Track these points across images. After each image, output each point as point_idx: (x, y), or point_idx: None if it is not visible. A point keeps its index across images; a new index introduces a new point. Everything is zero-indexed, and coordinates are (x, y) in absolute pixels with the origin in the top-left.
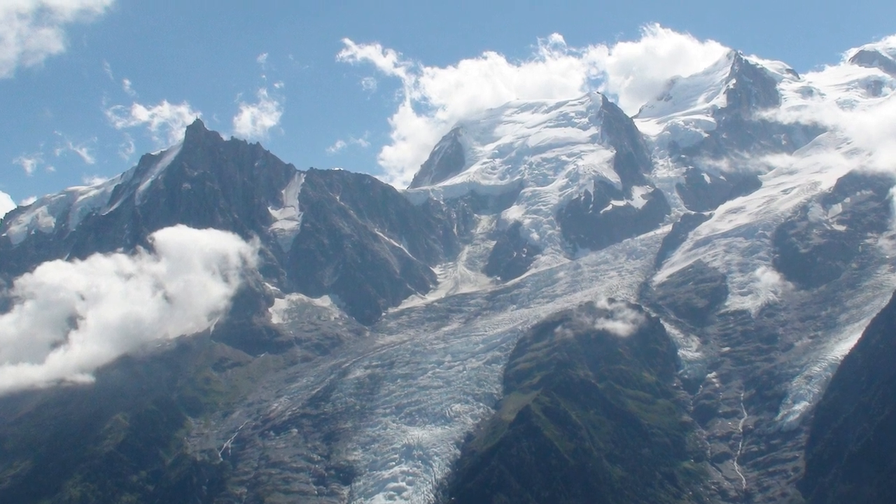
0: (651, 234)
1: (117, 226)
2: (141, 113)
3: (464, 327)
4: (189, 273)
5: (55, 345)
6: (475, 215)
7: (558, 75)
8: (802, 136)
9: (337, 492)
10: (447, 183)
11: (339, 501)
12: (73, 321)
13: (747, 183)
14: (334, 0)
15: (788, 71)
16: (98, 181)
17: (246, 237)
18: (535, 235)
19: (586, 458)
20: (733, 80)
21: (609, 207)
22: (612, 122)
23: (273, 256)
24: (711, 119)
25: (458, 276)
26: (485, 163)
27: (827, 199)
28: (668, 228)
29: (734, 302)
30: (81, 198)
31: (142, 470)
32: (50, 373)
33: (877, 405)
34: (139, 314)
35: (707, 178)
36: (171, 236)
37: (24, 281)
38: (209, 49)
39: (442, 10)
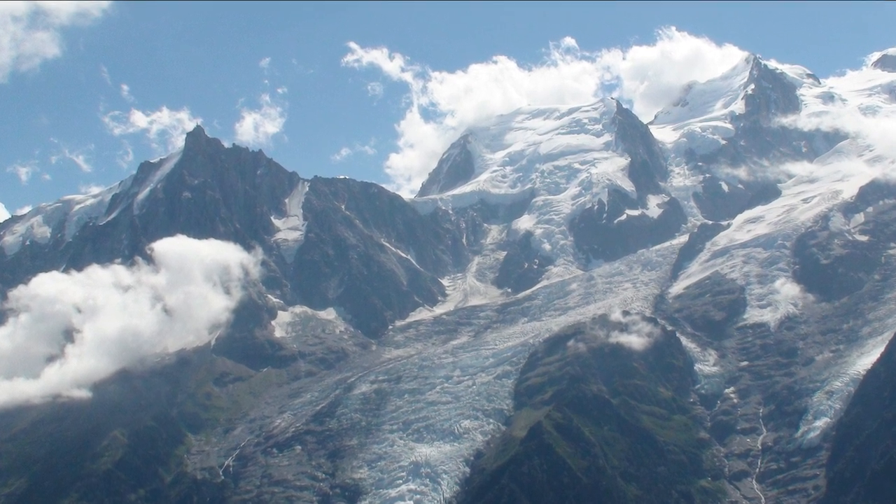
0: (667, 244)
1: (115, 236)
2: (139, 119)
3: (473, 341)
4: (189, 285)
5: (51, 359)
6: (485, 225)
7: (571, 80)
8: (823, 144)
9: None
10: (456, 192)
11: None
12: (69, 334)
13: (766, 192)
14: (339, 3)
15: (809, 76)
16: (95, 190)
17: (248, 247)
18: (546, 246)
19: (600, 477)
20: (752, 86)
21: (623, 217)
22: (626, 128)
23: (276, 267)
24: (729, 125)
25: (467, 288)
26: (495, 171)
27: (849, 209)
28: (684, 239)
29: (753, 315)
30: (78, 207)
31: (140, 488)
32: (45, 388)
33: None
34: (138, 327)
35: (725, 187)
36: (171, 247)
37: (19, 293)
38: (210, 53)
39: (451, 13)
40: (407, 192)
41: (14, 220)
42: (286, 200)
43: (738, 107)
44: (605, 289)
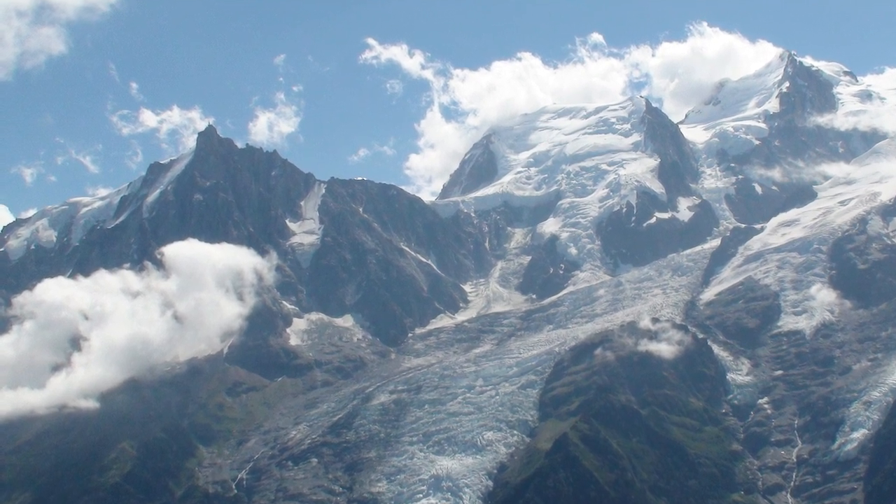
0: (698, 248)
1: (123, 240)
2: (149, 118)
3: (496, 349)
4: (201, 291)
5: (56, 368)
6: (509, 228)
7: (598, 78)
8: (861, 144)
9: None
10: (478, 194)
11: None
12: (75, 342)
13: (802, 194)
14: None
15: (846, 73)
16: (103, 192)
17: (262, 252)
18: (573, 250)
19: (628, 490)
20: (786, 84)
21: (653, 220)
22: (655, 128)
23: (291, 273)
24: (763, 125)
25: (490, 294)
26: (519, 172)
27: (887, 211)
28: (716, 243)
29: (787, 322)
30: (85, 210)
31: (150, 503)
32: (51, 398)
33: None
34: (147, 335)
35: (758, 189)
36: (182, 251)
37: (24, 299)
38: (222, 50)
39: (473, 8)
40: (427, 194)
41: (18, 223)
42: (301, 203)
43: (773, 105)
44: (633, 295)
